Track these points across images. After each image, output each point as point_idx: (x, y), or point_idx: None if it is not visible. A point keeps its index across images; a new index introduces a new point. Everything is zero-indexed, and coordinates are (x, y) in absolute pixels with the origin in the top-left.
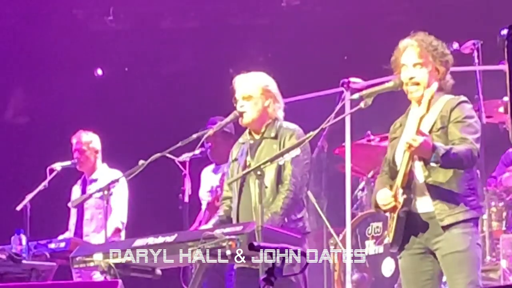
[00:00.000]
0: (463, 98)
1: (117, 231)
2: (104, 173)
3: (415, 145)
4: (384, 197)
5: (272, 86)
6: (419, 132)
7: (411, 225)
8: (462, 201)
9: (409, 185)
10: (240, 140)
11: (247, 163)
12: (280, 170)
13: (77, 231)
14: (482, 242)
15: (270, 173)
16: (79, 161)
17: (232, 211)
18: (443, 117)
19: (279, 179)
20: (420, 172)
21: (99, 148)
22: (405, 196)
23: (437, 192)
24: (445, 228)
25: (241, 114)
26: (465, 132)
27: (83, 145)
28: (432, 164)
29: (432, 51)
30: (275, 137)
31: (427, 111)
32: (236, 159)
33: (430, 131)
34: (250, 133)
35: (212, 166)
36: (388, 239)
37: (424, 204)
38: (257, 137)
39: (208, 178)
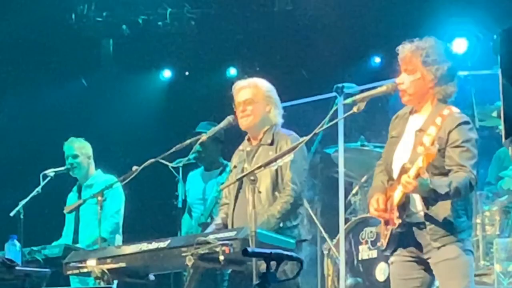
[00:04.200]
0: (462, 118)
1: (101, 240)
2: (99, 178)
3: (409, 189)
4: (375, 206)
5: (273, 92)
6: (415, 177)
7: (405, 234)
8: (454, 223)
9: (405, 206)
10: (240, 147)
11: (244, 170)
12: (276, 176)
13: (74, 238)
14: (476, 246)
15: (266, 179)
16: (72, 166)
17: (228, 217)
18: (441, 139)
19: (275, 186)
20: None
21: (91, 153)
22: (400, 221)
23: (431, 209)
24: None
25: (240, 118)
26: (463, 158)
27: (76, 150)
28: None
29: (423, 57)
30: (271, 144)
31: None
32: (235, 167)
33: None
34: (248, 140)
35: (199, 170)
36: (381, 243)
37: (418, 217)
38: (254, 143)
39: (197, 183)
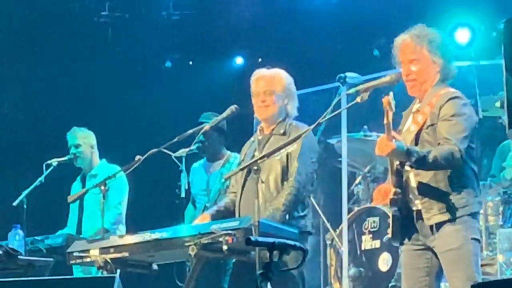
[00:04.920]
0: (455, 94)
1: (104, 231)
2: (103, 168)
3: (386, 150)
4: (375, 196)
5: (292, 84)
6: (391, 137)
7: (410, 222)
8: (450, 200)
9: (400, 184)
10: (251, 138)
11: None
12: (286, 165)
13: (77, 227)
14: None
15: (276, 168)
16: (75, 156)
17: (236, 206)
18: (433, 114)
19: (284, 175)
20: (410, 171)
21: (94, 143)
22: (393, 196)
23: (424, 190)
24: (433, 227)
25: (258, 107)
26: (450, 132)
27: (78, 140)
28: (407, 168)
29: (427, 45)
30: (284, 134)
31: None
32: (243, 160)
33: (421, 129)
34: (261, 130)
35: (202, 161)
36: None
37: (416, 203)
38: (267, 133)
39: (201, 174)
